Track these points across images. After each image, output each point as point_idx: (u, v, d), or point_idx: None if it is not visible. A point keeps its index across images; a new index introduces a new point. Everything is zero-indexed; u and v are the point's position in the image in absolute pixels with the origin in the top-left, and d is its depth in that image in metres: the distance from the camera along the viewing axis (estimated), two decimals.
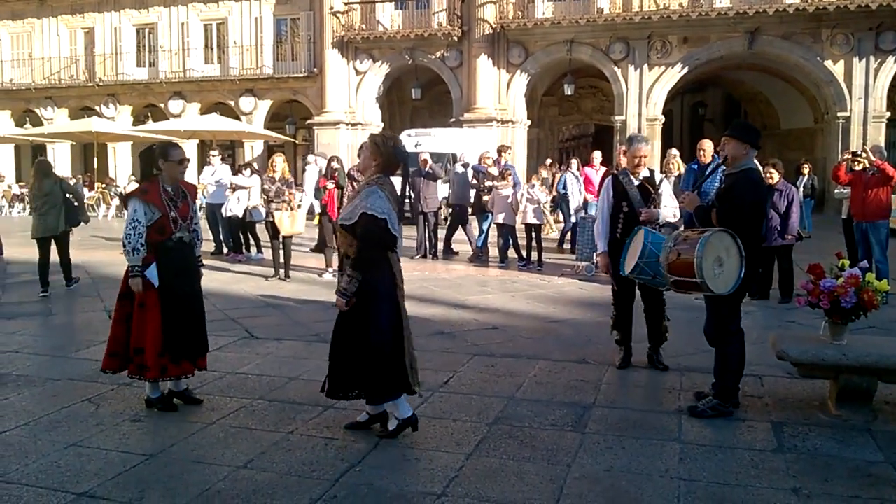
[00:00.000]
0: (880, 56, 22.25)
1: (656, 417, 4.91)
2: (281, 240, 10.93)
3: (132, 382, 5.39)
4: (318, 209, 12.37)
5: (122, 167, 31.01)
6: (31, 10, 31.80)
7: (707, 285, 4.72)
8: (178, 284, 5.00)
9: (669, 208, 6.15)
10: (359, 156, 4.60)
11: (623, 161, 10.76)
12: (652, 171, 6.30)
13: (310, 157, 17.65)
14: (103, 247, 15.09)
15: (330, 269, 11.01)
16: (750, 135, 5.02)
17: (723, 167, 5.20)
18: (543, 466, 4.10)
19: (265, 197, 11.08)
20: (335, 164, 11.18)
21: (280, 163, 11.25)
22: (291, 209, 10.91)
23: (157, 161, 5.04)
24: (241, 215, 12.91)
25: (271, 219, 10.87)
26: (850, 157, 9.75)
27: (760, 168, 11.19)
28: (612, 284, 6.33)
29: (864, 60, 22.36)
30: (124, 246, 4.86)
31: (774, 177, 9.01)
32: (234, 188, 12.98)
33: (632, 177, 6.12)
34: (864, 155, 9.31)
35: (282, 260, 10.91)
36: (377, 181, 4.42)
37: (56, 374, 5.89)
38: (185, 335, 5.00)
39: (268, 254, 11.08)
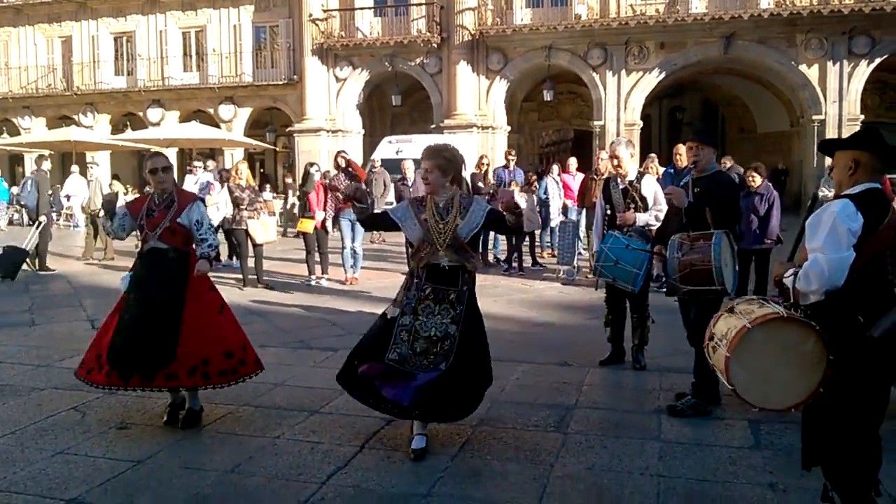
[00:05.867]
0: (853, 60, 22.60)
1: (637, 417, 5.00)
2: (252, 249, 10.95)
3: (117, 391, 5.39)
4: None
5: (100, 176, 30.71)
6: (7, 19, 31.51)
7: (727, 290, 4.83)
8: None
9: (650, 213, 6.13)
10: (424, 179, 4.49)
11: (601, 166, 10.99)
12: (640, 175, 6.41)
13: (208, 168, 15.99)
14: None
15: (313, 277, 11.03)
16: (715, 138, 5.27)
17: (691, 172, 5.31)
18: (527, 466, 4.18)
19: (237, 205, 10.94)
20: (314, 170, 11.15)
21: (244, 170, 11.26)
22: (270, 213, 10.95)
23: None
24: (219, 223, 12.86)
25: (244, 227, 10.80)
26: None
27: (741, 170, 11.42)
28: (596, 286, 6.48)
29: (837, 64, 22.71)
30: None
31: (757, 180, 9.04)
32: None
33: (619, 181, 6.25)
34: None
35: (251, 265, 10.90)
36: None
37: (41, 384, 5.89)
38: None
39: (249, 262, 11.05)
